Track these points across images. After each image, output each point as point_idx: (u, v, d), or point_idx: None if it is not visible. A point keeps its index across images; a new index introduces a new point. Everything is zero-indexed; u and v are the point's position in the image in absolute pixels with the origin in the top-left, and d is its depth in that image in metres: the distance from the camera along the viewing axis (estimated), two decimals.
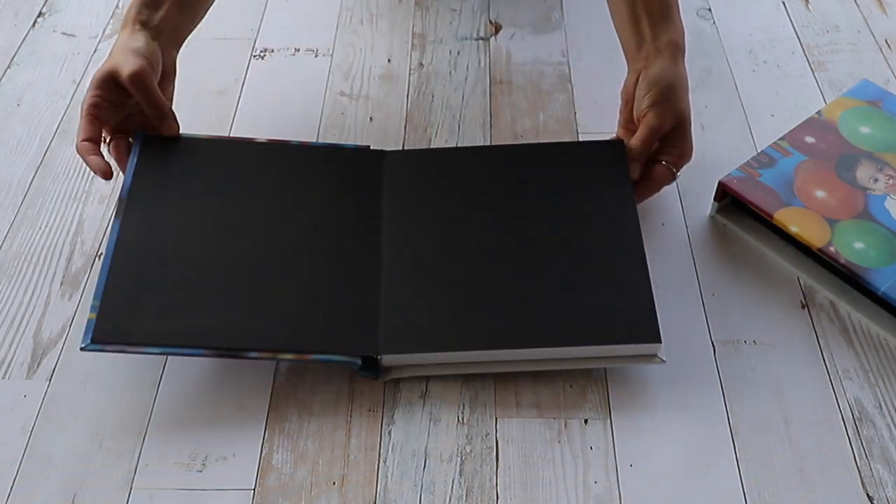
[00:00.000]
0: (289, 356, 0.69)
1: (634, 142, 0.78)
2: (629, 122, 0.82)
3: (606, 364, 0.71)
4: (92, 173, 0.87)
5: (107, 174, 0.77)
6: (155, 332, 0.69)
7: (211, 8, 0.87)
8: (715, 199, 0.82)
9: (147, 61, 0.78)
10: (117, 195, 0.84)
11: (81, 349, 0.68)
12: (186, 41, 0.85)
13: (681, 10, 0.83)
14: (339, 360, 0.70)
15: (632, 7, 0.81)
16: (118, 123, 0.80)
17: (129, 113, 0.80)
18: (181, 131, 0.82)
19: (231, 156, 0.83)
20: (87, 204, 0.84)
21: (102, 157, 0.77)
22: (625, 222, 0.76)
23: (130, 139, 0.81)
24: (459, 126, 0.92)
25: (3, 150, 0.90)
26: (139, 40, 0.79)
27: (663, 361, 0.71)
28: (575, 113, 0.93)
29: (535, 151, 0.82)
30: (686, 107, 0.79)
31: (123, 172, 0.80)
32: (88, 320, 0.69)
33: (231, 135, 0.91)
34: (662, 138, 0.79)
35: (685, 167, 0.80)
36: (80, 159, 0.76)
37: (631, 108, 0.81)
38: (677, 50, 0.80)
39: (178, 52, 0.84)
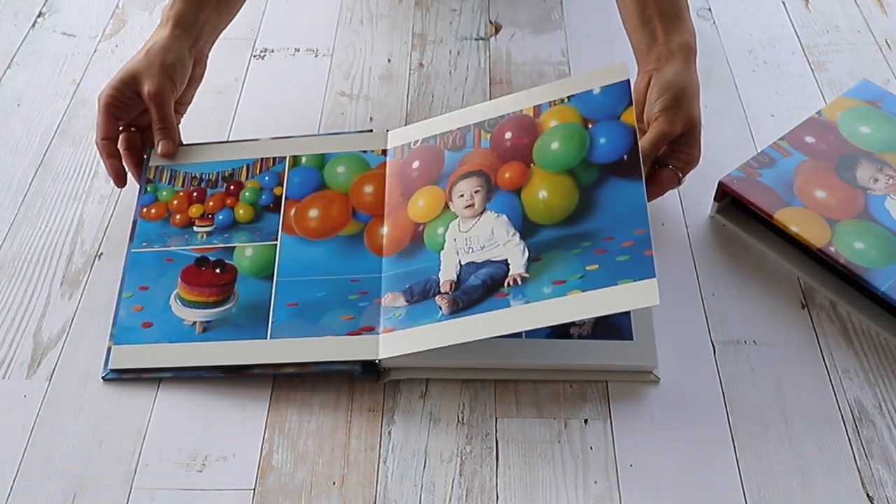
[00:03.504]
0: (290, 369, 0.70)
1: (643, 144, 0.77)
2: (637, 122, 0.81)
3: (605, 378, 0.72)
4: (92, 173, 0.87)
5: (122, 180, 0.81)
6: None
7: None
8: (715, 199, 0.82)
9: (170, 81, 0.80)
10: (118, 196, 0.85)
11: (103, 378, 0.71)
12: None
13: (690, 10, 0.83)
14: (339, 369, 0.70)
15: (643, 7, 0.81)
16: (131, 121, 0.83)
17: (141, 111, 0.82)
18: (186, 141, 0.83)
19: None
20: (87, 204, 0.84)
21: (121, 161, 0.81)
22: None
23: (144, 154, 0.83)
24: None
25: (3, 150, 0.90)
26: (174, 50, 0.80)
27: (658, 379, 0.71)
28: None
29: None
30: (697, 113, 0.78)
31: (137, 180, 0.82)
32: (108, 349, 0.73)
33: (231, 135, 0.91)
34: (671, 142, 0.79)
35: None
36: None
37: (641, 110, 0.80)
38: (690, 53, 0.80)
39: (210, 50, 0.85)
